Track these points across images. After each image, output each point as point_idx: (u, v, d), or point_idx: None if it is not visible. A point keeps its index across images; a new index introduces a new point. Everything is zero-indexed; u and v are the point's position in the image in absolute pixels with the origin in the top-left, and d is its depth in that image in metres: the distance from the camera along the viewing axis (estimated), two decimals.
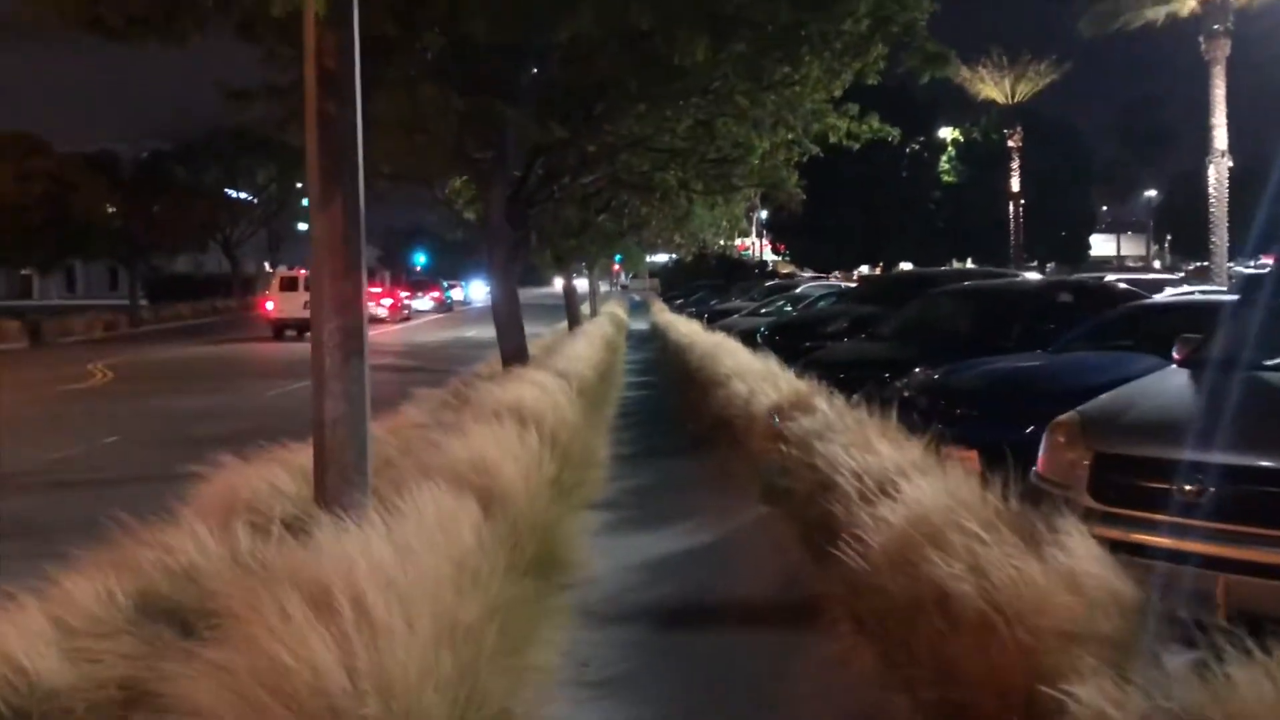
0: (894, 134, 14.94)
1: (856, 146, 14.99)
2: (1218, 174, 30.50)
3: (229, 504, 5.96)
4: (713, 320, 25.16)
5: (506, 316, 12.76)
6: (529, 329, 30.29)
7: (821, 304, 21.41)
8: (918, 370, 9.82)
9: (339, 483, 5.35)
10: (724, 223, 26.50)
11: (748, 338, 16.73)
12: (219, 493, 6.23)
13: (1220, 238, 30.60)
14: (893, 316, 12.18)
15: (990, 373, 8.11)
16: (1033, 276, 17.78)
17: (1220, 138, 30.31)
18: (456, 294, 65.62)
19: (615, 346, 23.73)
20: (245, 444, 6.77)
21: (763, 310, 23.56)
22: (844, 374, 10.10)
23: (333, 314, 5.48)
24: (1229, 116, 31.08)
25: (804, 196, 14.34)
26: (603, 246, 26.03)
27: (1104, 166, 58.82)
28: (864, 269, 52.00)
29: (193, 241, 44.99)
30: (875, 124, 14.39)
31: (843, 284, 28.20)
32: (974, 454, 7.39)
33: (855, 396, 8.87)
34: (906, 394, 8.91)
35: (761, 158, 12.88)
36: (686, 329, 21.99)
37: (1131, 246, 77.60)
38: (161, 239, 40.42)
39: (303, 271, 35.05)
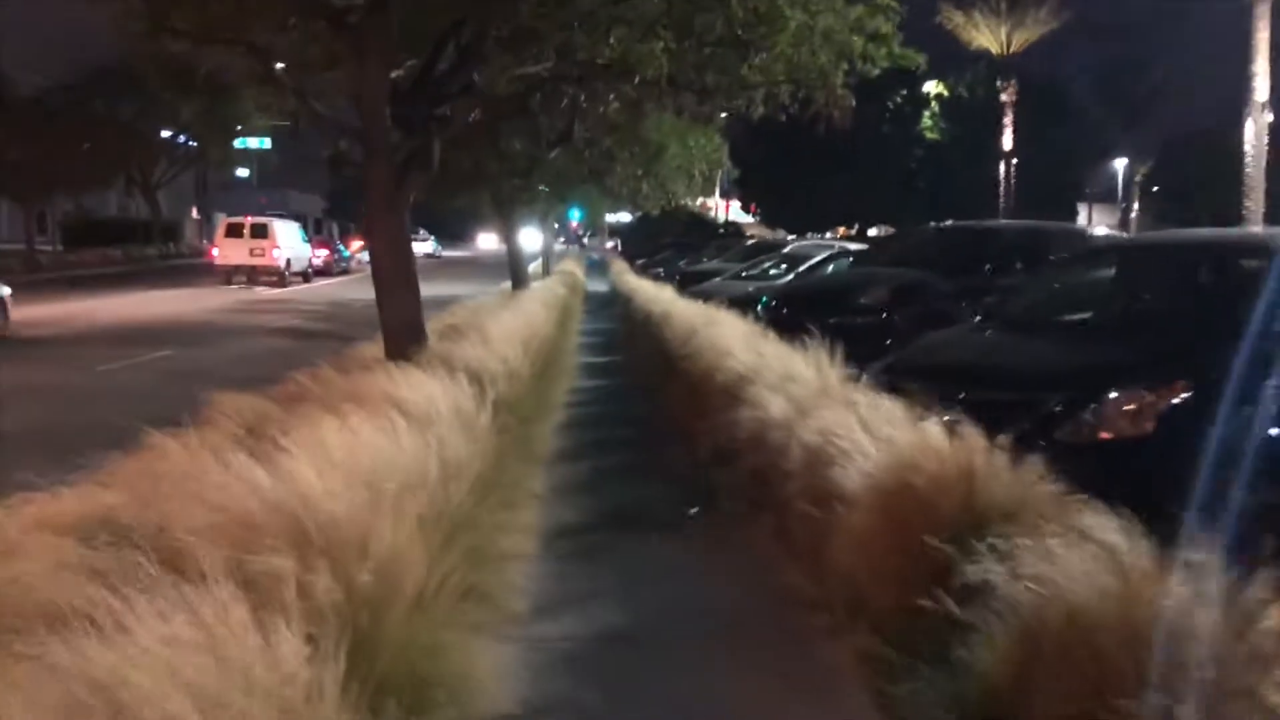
0: (918, 61, 10.68)
1: (876, 72, 10.47)
2: (1256, 129, 26.09)
3: None
4: (685, 284, 20.21)
5: (391, 276, 7.77)
6: (464, 288, 25.15)
7: (831, 267, 16.56)
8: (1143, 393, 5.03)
9: None
10: (698, 168, 21.54)
11: (742, 308, 11.86)
12: None
13: (1256, 202, 26.15)
14: (1017, 290, 7.32)
15: None
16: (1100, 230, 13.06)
17: (1261, 88, 25.80)
18: (425, 247, 60.86)
19: (569, 313, 18.75)
20: None
21: (747, 274, 18.67)
22: (968, 394, 5.27)
23: None
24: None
25: (853, 102, 9.50)
26: (557, 190, 21.00)
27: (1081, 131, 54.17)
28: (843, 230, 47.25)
29: (100, 180, 38.98)
30: (896, 48, 9.95)
31: (838, 242, 23.37)
32: None
33: (998, 438, 4.13)
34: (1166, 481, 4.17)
35: (796, 35, 7.94)
36: (656, 294, 17.05)
37: (1103, 216, 73.38)
38: (63, 176, 34.57)
39: (249, 219, 34.46)
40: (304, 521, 2.98)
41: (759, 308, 12.19)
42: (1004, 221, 13.14)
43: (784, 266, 18.46)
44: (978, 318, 6.77)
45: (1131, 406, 4.97)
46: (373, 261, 7.85)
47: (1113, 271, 6.96)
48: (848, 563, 3.98)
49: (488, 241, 73.36)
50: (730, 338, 8.97)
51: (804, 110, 9.10)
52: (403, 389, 5.40)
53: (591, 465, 7.17)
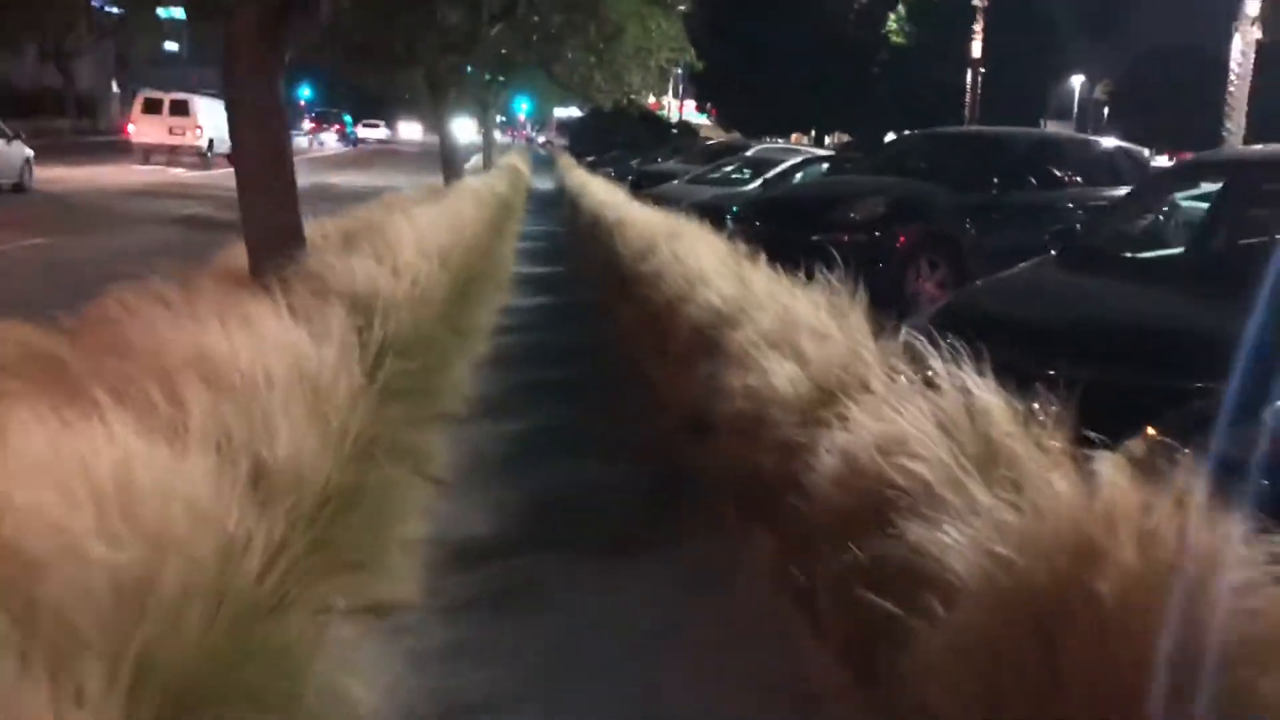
0: None
1: None
2: (1244, 45, 24.30)
3: None
4: (640, 185, 18.15)
5: (258, 162, 5.70)
6: (398, 179, 22.85)
7: (800, 174, 14.62)
8: None
9: None
10: (658, 59, 19.25)
11: (708, 216, 9.95)
12: None
13: (1238, 124, 24.50)
14: (1101, 216, 5.45)
15: None
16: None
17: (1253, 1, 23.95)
18: (378, 133, 66.11)
19: (508, 213, 16.63)
20: None
21: (711, 176, 16.65)
22: (1064, 370, 3.48)
23: None
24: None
25: None
26: (499, 74, 18.67)
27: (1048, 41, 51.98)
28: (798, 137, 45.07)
29: (3, 44, 35.30)
30: None
31: (805, 148, 21.45)
32: None
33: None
34: None
35: None
36: (608, 196, 15.03)
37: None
38: None
39: (169, 95, 31.94)
40: None
41: (728, 219, 10.28)
42: (1010, 128, 11.34)
43: (748, 172, 16.46)
44: (1052, 251, 4.92)
45: None
46: (234, 142, 5.77)
47: (1218, 197, 5.13)
48: (950, 709, 2.18)
49: (410, 130, 69.17)
50: (700, 255, 7.08)
51: None
52: (220, 337, 3.44)
53: (516, 428, 5.28)
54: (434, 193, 15.00)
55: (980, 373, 3.10)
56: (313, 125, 58.95)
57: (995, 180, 9.65)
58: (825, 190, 10.48)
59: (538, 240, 15.60)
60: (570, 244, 14.67)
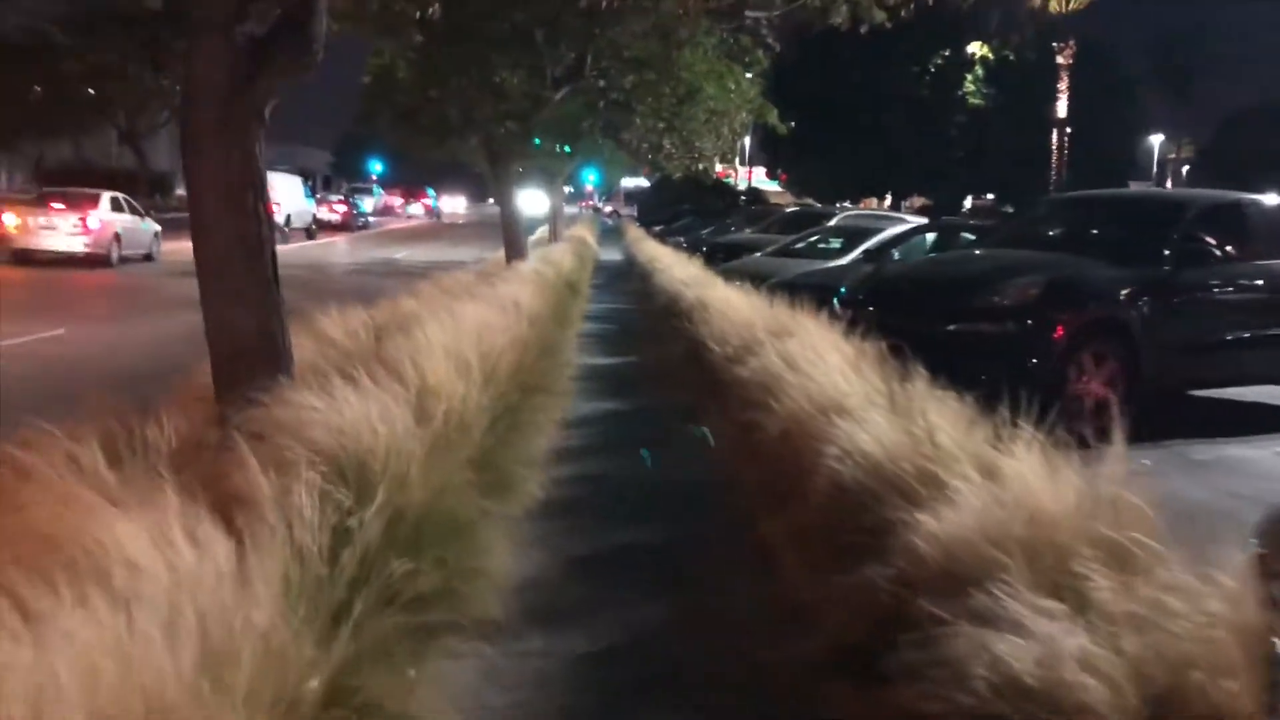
0: None
1: None
2: None
3: None
4: (715, 257, 16.44)
5: (228, 259, 4.05)
6: (464, 252, 21.44)
7: (898, 247, 12.75)
8: None
9: None
10: (737, 120, 17.74)
11: (804, 296, 8.17)
12: None
13: None
14: None
15: None
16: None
17: None
18: (459, 204, 69.76)
19: (573, 291, 15.00)
20: None
21: (796, 248, 14.83)
22: None
23: None
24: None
25: None
26: (565, 140, 17.21)
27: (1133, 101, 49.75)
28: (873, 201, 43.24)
29: (75, 127, 35.19)
30: None
31: (891, 214, 19.60)
32: None
33: None
34: None
35: None
36: (684, 273, 13.35)
37: None
38: (28, 120, 30.77)
39: None
40: None
41: (836, 301, 8.47)
42: (1179, 190, 9.53)
43: (838, 243, 14.62)
44: None
45: None
46: (194, 224, 4.13)
47: None
48: None
49: (453, 204, 68.63)
50: (823, 361, 5.30)
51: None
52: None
53: (576, 652, 3.40)
54: (492, 272, 13.43)
55: None
56: (403, 198, 62.05)
57: (1167, 253, 7.72)
58: (958, 267, 8.60)
59: (606, 321, 13.92)
60: (643, 326, 12.96)
